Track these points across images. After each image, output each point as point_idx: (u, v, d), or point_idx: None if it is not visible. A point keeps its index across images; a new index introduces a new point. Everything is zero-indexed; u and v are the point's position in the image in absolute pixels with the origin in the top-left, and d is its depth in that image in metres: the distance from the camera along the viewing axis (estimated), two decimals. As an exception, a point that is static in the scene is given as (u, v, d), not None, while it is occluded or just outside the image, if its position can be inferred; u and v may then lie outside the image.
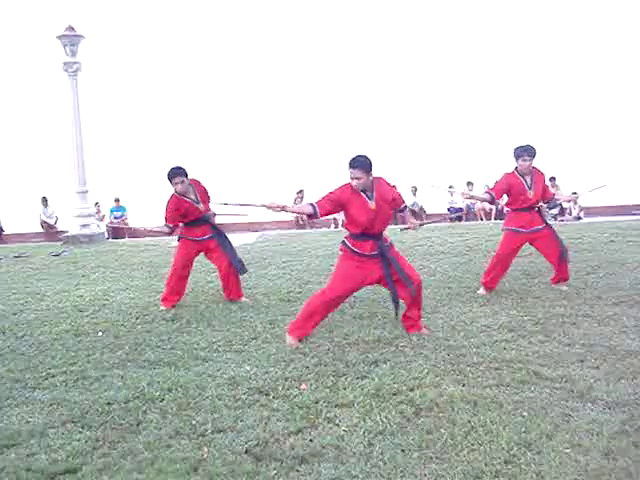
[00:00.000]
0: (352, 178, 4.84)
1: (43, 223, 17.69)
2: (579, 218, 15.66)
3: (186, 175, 6.47)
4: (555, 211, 15.83)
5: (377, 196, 4.90)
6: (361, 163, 4.80)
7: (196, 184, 6.63)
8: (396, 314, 5.17)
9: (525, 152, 6.35)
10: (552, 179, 16.28)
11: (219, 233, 6.75)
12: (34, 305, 7.10)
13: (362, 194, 4.88)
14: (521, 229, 6.51)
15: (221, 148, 29.39)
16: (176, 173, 6.41)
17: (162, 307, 6.60)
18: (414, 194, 17.87)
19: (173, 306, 6.60)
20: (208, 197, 6.77)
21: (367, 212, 4.87)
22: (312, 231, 14.79)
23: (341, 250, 5.13)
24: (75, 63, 14.05)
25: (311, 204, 4.92)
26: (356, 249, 4.99)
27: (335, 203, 4.90)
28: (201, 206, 6.59)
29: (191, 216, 6.58)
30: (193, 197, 6.54)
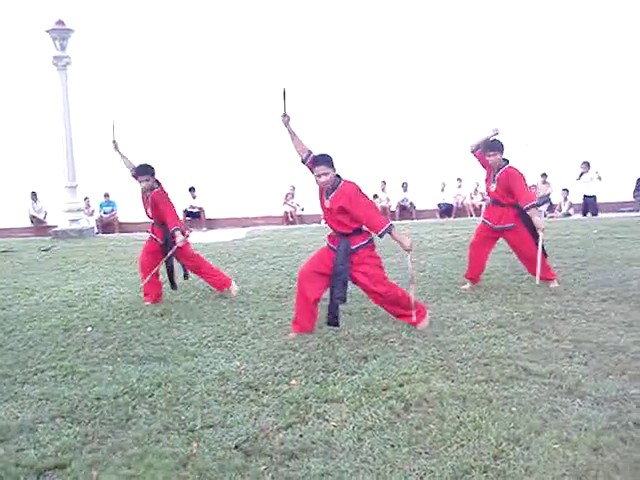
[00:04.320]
0: (319, 175, 4.94)
1: (32, 218, 17.58)
2: (568, 214, 15.75)
3: (152, 174, 6.43)
4: (544, 207, 15.91)
5: (334, 197, 4.98)
6: (324, 159, 4.95)
7: (156, 195, 6.41)
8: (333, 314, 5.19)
9: (488, 147, 6.44)
10: (543, 175, 16.35)
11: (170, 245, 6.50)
12: (23, 300, 7.07)
13: (324, 190, 5.07)
14: (488, 222, 6.59)
15: (212, 143, 29.31)
16: (139, 172, 6.41)
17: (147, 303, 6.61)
18: (405, 190, 17.90)
19: (149, 302, 6.59)
20: (159, 209, 6.43)
21: (322, 208, 5.14)
22: (302, 227, 14.78)
23: None
24: (65, 57, 13.94)
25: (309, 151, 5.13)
26: (328, 241, 5.24)
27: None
28: (148, 211, 6.55)
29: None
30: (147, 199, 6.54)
